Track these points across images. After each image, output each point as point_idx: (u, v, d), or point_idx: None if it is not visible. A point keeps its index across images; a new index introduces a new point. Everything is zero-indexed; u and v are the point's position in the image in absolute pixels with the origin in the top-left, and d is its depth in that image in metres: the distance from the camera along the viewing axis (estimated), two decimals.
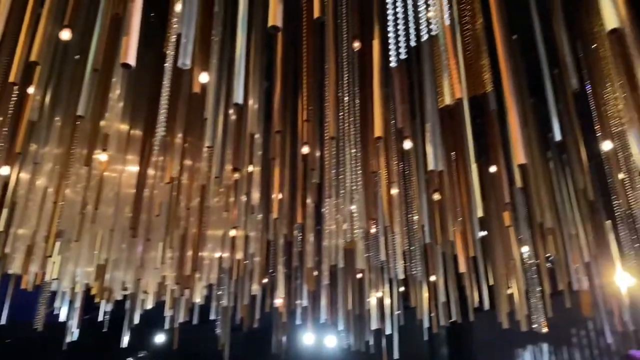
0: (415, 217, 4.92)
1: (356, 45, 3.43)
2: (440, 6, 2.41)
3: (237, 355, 7.86)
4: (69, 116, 4.13)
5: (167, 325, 6.75)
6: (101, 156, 4.17)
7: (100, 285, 5.46)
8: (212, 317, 7.04)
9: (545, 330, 5.77)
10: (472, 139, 2.83)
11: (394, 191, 4.40)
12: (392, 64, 2.58)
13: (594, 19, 3.82)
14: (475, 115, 3.10)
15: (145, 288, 6.11)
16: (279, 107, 3.22)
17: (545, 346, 9.14)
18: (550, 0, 3.77)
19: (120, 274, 5.62)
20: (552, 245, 5.29)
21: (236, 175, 4.38)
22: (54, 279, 5.47)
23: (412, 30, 2.53)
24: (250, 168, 4.23)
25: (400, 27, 2.53)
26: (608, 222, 5.24)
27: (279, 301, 6.73)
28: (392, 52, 2.55)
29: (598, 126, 4.12)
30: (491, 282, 5.97)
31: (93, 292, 5.81)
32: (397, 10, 2.55)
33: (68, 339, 6.78)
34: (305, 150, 3.65)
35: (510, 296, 5.75)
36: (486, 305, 6.01)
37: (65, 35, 2.91)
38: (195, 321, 6.87)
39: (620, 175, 4.32)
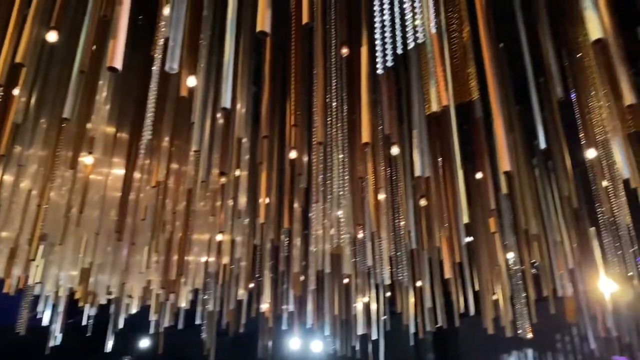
0: (402, 223, 4.94)
1: (344, 51, 3.44)
2: (427, 14, 2.43)
3: None
4: (54, 118, 4.09)
5: (152, 330, 6.71)
6: (87, 159, 4.14)
7: (85, 289, 5.40)
8: (197, 321, 6.98)
9: (530, 335, 5.82)
10: (458, 146, 2.85)
11: (381, 197, 4.42)
12: (379, 71, 2.59)
13: (578, 28, 3.87)
14: (461, 122, 3.12)
15: (130, 292, 6.07)
16: (266, 112, 3.22)
17: (530, 352, 9.22)
18: (536, 10, 3.82)
19: (105, 277, 5.56)
20: (537, 251, 5.35)
21: (223, 180, 4.36)
22: (37, 283, 5.41)
23: (399, 38, 2.54)
24: (238, 172, 4.22)
25: (388, 34, 2.54)
26: (592, 229, 5.30)
27: (265, 306, 6.69)
28: (379, 59, 2.56)
29: (582, 134, 4.17)
30: (477, 288, 6.01)
31: (77, 296, 5.75)
32: (385, 17, 2.57)
33: (51, 344, 6.71)
34: (292, 155, 3.66)
35: (496, 302, 5.79)
36: (472, 310, 6.06)
37: (52, 36, 2.88)
38: (180, 326, 6.84)
39: (604, 183, 4.38)
